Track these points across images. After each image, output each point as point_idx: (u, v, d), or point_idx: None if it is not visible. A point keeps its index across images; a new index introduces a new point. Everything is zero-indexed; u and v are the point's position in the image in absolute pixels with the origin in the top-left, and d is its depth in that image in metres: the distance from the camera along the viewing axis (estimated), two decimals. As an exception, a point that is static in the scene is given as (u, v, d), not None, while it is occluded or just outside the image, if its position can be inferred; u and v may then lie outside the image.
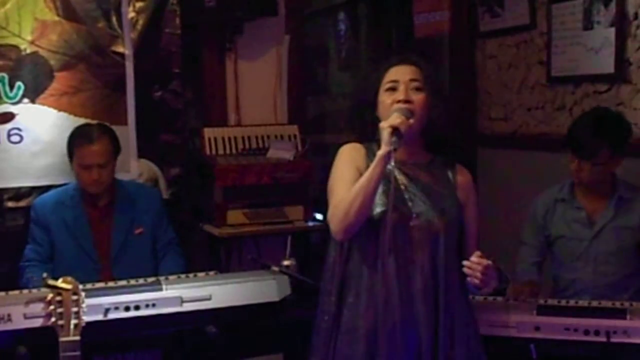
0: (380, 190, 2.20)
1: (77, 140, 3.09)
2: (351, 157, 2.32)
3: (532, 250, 3.00)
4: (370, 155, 2.29)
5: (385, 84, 2.28)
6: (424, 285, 2.22)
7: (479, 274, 2.14)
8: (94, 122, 3.35)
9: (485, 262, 2.15)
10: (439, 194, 2.28)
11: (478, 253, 2.18)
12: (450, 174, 2.33)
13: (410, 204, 2.24)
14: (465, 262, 2.17)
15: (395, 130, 2.12)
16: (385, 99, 2.27)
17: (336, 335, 2.28)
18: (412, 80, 2.26)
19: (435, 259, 2.23)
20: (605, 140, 2.78)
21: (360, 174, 2.23)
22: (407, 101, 2.22)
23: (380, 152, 2.14)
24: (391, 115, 2.19)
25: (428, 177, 2.30)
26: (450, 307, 2.25)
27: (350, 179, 2.24)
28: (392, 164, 2.13)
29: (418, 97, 2.24)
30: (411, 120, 2.18)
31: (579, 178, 2.86)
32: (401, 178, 2.27)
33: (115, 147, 3.15)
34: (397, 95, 2.24)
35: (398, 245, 2.22)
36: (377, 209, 2.20)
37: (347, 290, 2.28)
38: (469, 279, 2.18)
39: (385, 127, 2.14)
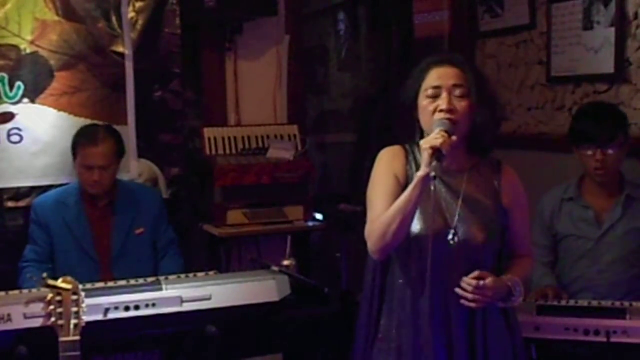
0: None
1: (82, 140, 3.09)
2: (390, 163, 2.21)
3: (544, 250, 2.97)
4: (410, 159, 2.20)
5: (427, 89, 2.14)
6: (458, 304, 2.13)
7: (469, 295, 2.06)
8: (94, 122, 3.36)
9: (474, 282, 2.05)
10: (481, 205, 2.18)
11: (476, 273, 2.07)
12: (495, 178, 2.23)
13: (449, 218, 2.15)
14: (462, 281, 2.08)
15: (436, 152, 2.00)
16: (426, 104, 2.13)
17: (373, 342, 2.25)
18: (455, 86, 2.12)
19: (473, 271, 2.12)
20: (618, 123, 2.82)
21: (399, 182, 2.16)
22: (449, 110, 2.09)
23: (419, 174, 2.04)
24: (434, 128, 2.07)
25: (471, 186, 2.19)
26: (487, 326, 2.17)
27: (388, 189, 2.15)
28: (433, 188, 2.03)
29: (462, 105, 2.11)
30: (454, 138, 2.05)
31: (605, 169, 2.80)
32: (441, 189, 2.16)
33: (119, 150, 3.15)
34: (440, 103, 2.11)
35: (433, 261, 2.12)
36: (417, 226, 2.12)
37: (385, 300, 2.24)
38: (462, 300, 2.08)
39: (426, 147, 2.02)
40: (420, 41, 4.47)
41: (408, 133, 2.21)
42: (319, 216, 3.72)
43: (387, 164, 2.22)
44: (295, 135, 3.77)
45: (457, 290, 2.09)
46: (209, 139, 3.65)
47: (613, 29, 3.22)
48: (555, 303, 2.65)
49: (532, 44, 3.75)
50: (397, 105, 2.26)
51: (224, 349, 2.59)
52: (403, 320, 2.19)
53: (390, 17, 4.81)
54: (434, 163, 2.00)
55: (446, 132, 2.05)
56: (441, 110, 2.10)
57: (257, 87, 3.93)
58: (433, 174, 2.00)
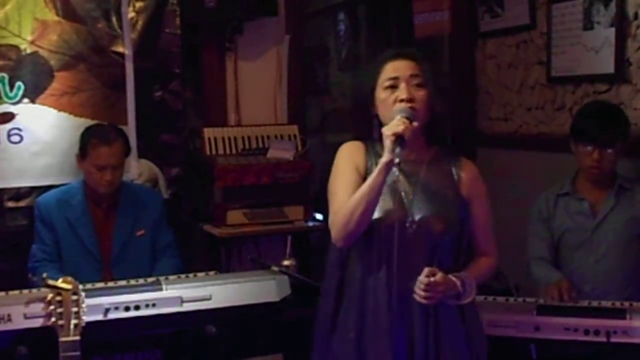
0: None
1: (93, 140, 3.08)
2: (350, 156, 2.25)
3: (545, 242, 2.97)
4: (371, 153, 2.24)
5: (385, 81, 2.19)
6: None
7: (421, 293, 2.09)
8: (95, 122, 3.36)
9: (427, 280, 2.08)
10: (439, 195, 2.21)
11: (426, 270, 2.09)
12: (454, 169, 2.26)
13: (408, 206, 2.17)
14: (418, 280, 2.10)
15: (398, 138, 2.05)
16: (385, 96, 2.18)
17: (332, 334, 2.27)
18: (412, 76, 2.17)
19: (432, 263, 2.16)
20: (620, 126, 2.86)
21: (360, 174, 2.19)
22: (410, 99, 2.14)
23: (383, 160, 2.07)
24: (394, 117, 2.11)
25: (429, 175, 2.22)
26: (438, 319, 2.19)
27: (349, 180, 2.19)
28: (397, 173, 2.05)
29: (420, 94, 2.16)
30: (415, 124, 2.09)
31: (600, 168, 2.84)
32: (400, 178, 2.21)
33: (127, 149, 3.17)
34: (399, 93, 2.15)
35: (392, 250, 2.16)
36: (376, 215, 2.15)
37: (344, 292, 2.25)
38: (414, 295, 2.11)
39: (388, 134, 2.06)
40: (420, 41, 4.47)
41: (366, 129, 2.25)
42: (319, 216, 3.72)
43: (348, 156, 2.26)
44: (295, 135, 3.77)
45: (415, 288, 2.11)
46: (209, 139, 3.65)
47: (613, 29, 3.22)
48: (555, 303, 2.65)
49: (532, 44, 3.75)
50: (354, 104, 2.31)
51: (224, 349, 2.60)
52: (363, 310, 2.20)
53: (390, 17, 4.81)
54: (397, 149, 2.04)
55: (407, 118, 2.09)
56: (401, 100, 2.15)
57: (257, 87, 3.93)
58: (397, 159, 2.04)
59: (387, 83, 2.19)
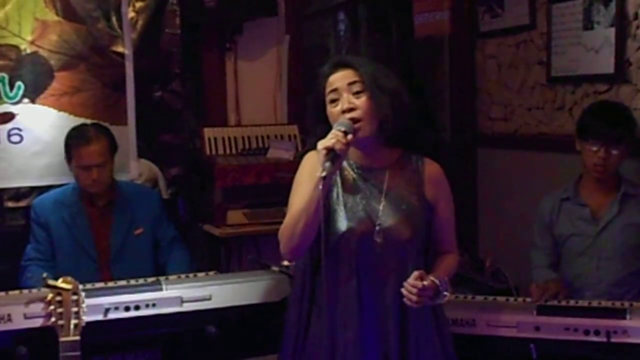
0: (343, 204, 2.16)
1: (74, 141, 3.10)
2: (313, 167, 2.16)
3: (544, 251, 2.99)
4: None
5: (328, 96, 2.17)
6: (394, 297, 2.17)
7: (414, 297, 2.07)
8: (93, 122, 3.36)
9: (419, 284, 2.07)
10: (405, 201, 2.19)
11: (416, 274, 2.09)
12: (418, 171, 2.24)
13: (373, 215, 2.16)
14: (404, 283, 2.09)
15: (329, 152, 2.02)
16: (332, 111, 2.16)
17: (304, 340, 2.25)
18: (350, 84, 2.14)
19: (404, 269, 2.16)
20: (627, 125, 2.86)
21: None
22: (350, 109, 2.11)
23: (317, 174, 2.03)
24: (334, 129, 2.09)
25: (393, 182, 2.20)
26: (419, 323, 2.20)
27: (304, 192, 2.14)
28: (321, 187, 2.01)
29: (360, 101, 2.12)
30: (349, 137, 2.05)
31: (605, 167, 2.82)
32: (364, 187, 2.19)
33: (112, 146, 3.15)
34: (341, 104, 2.13)
35: (362, 260, 2.16)
36: (343, 226, 2.15)
37: (315, 301, 2.24)
38: (404, 299, 2.10)
39: (319, 148, 2.04)
40: (420, 41, 4.47)
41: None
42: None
43: (310, 167, 2.21)
44: (295, 135, 3.78)
45: (402, 291, 2.10)
46: (209, 139, 3.65)
47: (613, 29, 3.22)
48: (555, 303, 2.65)
49: (532, 44, 3.75)
50: (311, 122, 2.29)
51: (224, 349, 2.60)
52: (336, 319, 2.19)
53: (390, 17, 4.81)
54: (327, 163, 2.01)
55: (344, 131, 2.07)
56: (343, 111, 2.12)
57: (257, 87, 3.93)
58: (323, 173, 2.01)
59: (330, 97, 2.17)
